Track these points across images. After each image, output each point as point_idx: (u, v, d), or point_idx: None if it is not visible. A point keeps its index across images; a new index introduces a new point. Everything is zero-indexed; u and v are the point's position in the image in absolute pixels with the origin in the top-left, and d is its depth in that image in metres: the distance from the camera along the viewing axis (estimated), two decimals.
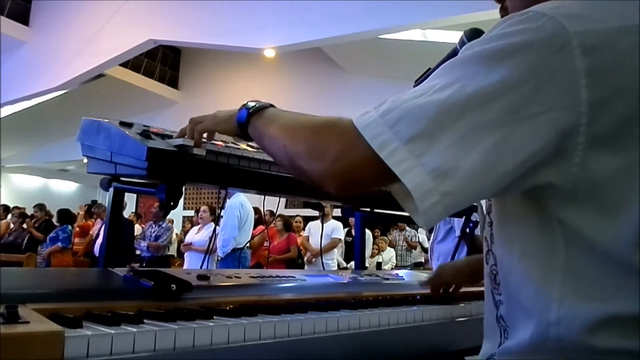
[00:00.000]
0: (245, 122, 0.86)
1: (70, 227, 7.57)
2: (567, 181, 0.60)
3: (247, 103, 0.88)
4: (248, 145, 1.19)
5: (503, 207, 0.73)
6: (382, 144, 0.60)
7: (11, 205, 9.71)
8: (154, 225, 6.43)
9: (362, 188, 0.67)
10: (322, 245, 5.47)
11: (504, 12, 0.80)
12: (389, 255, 7.85)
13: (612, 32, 0.60)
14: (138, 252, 6.49)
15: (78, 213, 8.81)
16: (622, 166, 0.59)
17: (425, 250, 8.12)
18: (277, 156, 0.78)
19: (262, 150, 1.11)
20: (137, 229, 7.53)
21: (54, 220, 7.95)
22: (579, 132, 0.58)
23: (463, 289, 1.36)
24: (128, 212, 9.19)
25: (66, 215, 7.70)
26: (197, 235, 5.78)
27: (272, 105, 0.86)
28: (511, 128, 0.58)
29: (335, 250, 6.22)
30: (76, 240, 7.71)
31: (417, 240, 8.25)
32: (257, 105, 0.86)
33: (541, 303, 0.64)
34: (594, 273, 0.61)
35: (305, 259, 6.35)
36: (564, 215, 0.62)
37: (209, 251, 2.08)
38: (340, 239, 6.17)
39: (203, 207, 5.92)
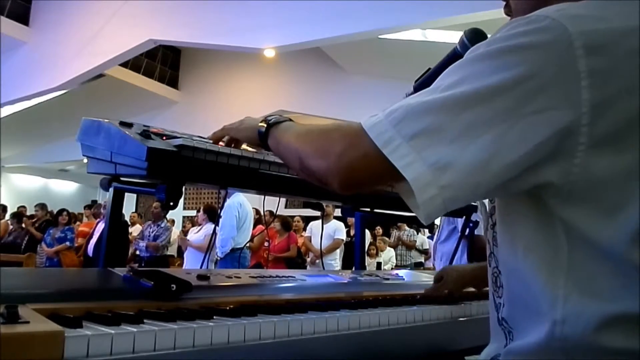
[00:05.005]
0: (265, 133, 0.91)
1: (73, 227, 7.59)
2: (567, 181, 0.61)
3: (267, 117, 0.94)
4: (248, 145, 1.19)
5: (505, 207, 0.73)
6: (386, 141, 0.62)
7: (11, 206, 9.69)
8: (152, 225, 6.38)
9: (365, 185, 0.68)
10: (325, 246, 5.46)
11: (507, 9, 0.81)
12: (388, 255, 7.84)
13: (617, 32, 0.60)
14: (137, 252, 6.48)
15: (81, 214, 8.83)
16: (622, 167, 0.59)
17: (422, 252, 8.12)
18: (289, 160, 0.83)
19: (262, 151, 1.11)
20: (139, 229, 7.52)
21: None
22: (580, 132, 0.58)
23: (464, 290, 1.35)
24: (128, 213, 9.19)
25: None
26: (196, 235, 5.78)
27: (291, 120, 0.92)
28: (509, 125, 0.59)
29: (338, 250, 6.20)
30: (79, 240, 7.72)
31: (414, 239, 8.21)
32: (276, 118, 0.91)
33: (546, 302, 0.64)
34: (598, 271, 0.61)
35: (309, 260, 6.32)
36: (565, 214, 0.62)
37: (208, 251, 2.06)
38: (342, 240, 6.13)
39: (201, 210, 5.95)
